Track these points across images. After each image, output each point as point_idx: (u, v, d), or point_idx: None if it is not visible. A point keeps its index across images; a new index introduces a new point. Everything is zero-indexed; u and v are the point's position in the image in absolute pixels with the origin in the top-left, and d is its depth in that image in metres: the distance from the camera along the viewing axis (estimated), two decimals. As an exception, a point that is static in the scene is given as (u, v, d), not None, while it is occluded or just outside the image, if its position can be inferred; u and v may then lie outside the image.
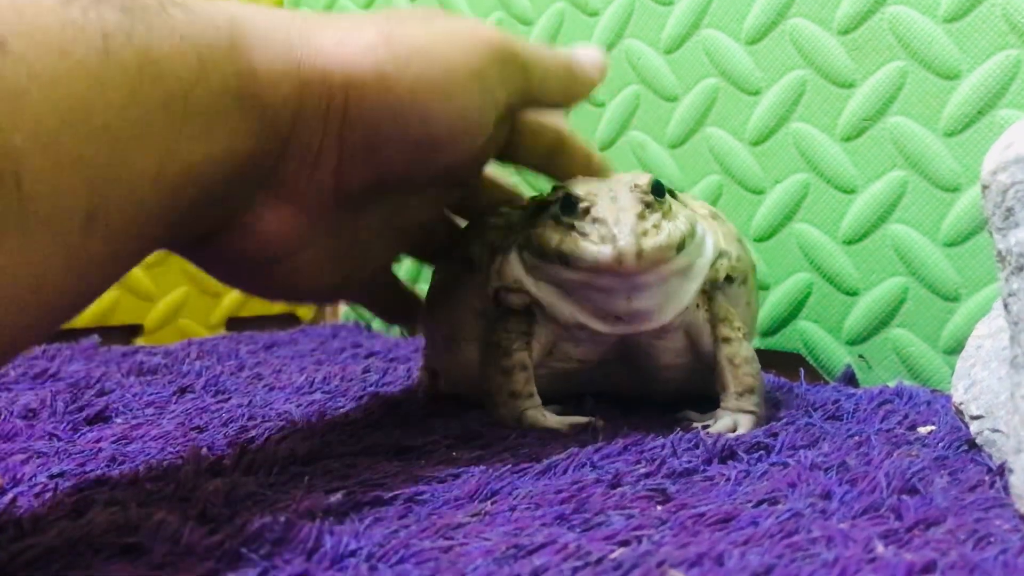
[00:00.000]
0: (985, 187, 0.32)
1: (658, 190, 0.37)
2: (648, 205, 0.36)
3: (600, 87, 0.41)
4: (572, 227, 0.37)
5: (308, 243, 0.34)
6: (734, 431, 0.39)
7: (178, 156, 0.27)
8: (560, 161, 0.41)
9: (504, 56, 0.34)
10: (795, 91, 0.53)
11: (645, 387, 0.43)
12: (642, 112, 0.60)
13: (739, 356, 0.40)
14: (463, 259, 0.42)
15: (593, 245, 0.35)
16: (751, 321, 0.44)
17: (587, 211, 0.36)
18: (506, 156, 0.40)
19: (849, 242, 0.52)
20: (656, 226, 0.36)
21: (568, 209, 0.37)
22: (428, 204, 0.39)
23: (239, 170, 0.30)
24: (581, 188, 0.37)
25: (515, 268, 0.39)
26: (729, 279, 0.40)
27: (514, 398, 0.39)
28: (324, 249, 0.35)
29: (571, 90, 0.39)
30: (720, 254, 0.40)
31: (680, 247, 0.37)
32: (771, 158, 0.55)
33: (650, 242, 0.35)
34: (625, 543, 0.26)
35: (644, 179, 0.37)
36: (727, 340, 0.40)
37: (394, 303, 0.44)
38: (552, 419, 0.39)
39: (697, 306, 0.40)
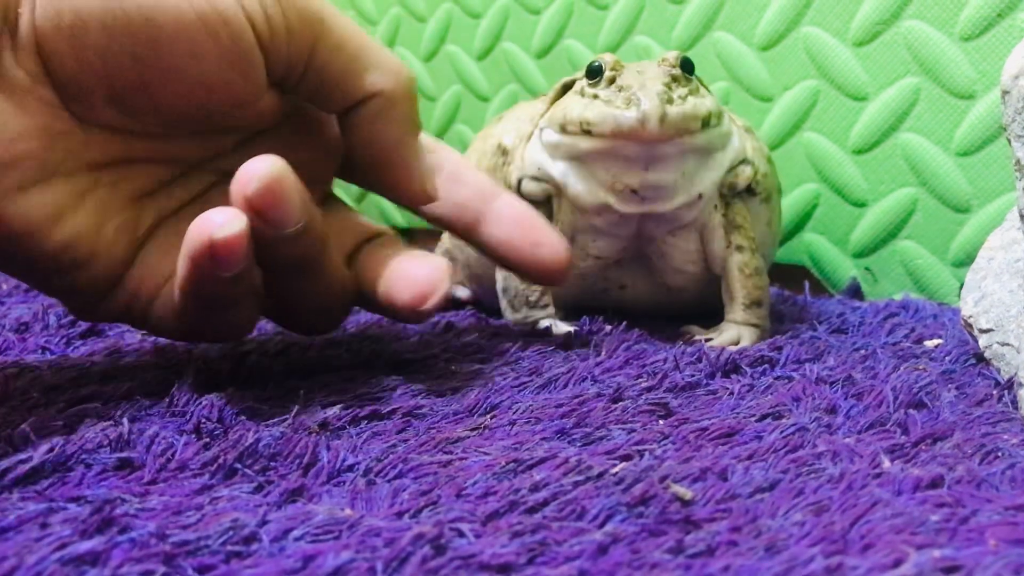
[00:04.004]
0: (1005, 92, 0.31)
1: (687, 66, 0.37)
2: (675, 79, 0.37)
3: None
4: (596, 96, 0.37)
5: (49, 164, 0.27)
6: (737, 344, 0.38)
7: None
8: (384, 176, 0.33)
9: None
10: (807, -7, 0.51)
11: (657, 299, 0.43)
12: (648, 15, 0.58)
13: (749, 266, 0.40)
14: (499, 147, 0.42)
15: (617, 109, 0.35)
16: (771, 244, 0.45)
17: (612, 80, 0.37)
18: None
19: (858, 151, 0.50)
20: (682, 98, 0.36)
21: (593, 78, 0.37)
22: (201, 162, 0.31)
23: None
24: (608, 59, 0.37)
25: (536, 153, 0.40)
26: (752, 191, 0.41)
27: (529, 307, 0.40)
28: (77, 182, 0.28)
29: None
30: (744, 160, 0.40)
31: (705, 123, 0.36)
32: (780, 64, 0.53)
33: (674, 109, 0.35)
34: (627, 458, 0.25)
35: (672, 54, 0.37)
36: (740, 248, 0.40)
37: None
38: (563, 329, 0.40)
39: (715, 207, 0.40)
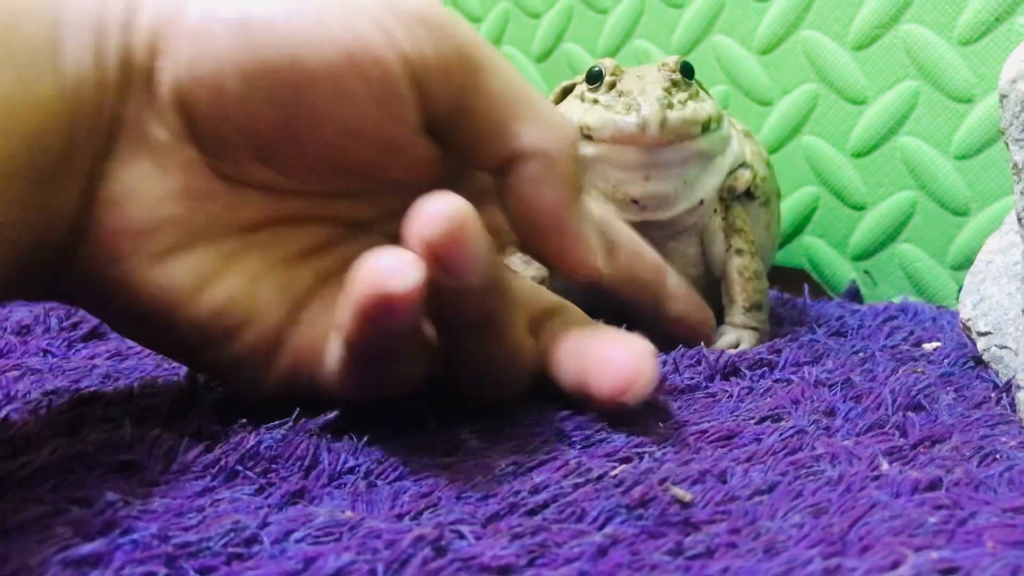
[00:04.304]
0: (1003, 96, 0.31)
1: (687, 71, 0.38)
2: (675, 84, 0.37)
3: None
4: (597, 101, 0.37)
5: (193, 228, 0.25)
6: (736, 347, 0.38)
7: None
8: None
9: (430, 20, 0.25)
10: (806, -3, 0.51)
11: None
12: (647, 19, 0.58)
13: (749, 270, 0.40)
14: None
15: (617, 115, 0.36)
16: (770, 247, 0.45)
17: (613, 85, 0.37)
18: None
19: (858, 155, 0.51)
20: (682, 103, 0.36)
21: (594, 83, 0.37)
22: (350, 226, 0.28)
23: (87, 108, 0.24)
24: (608, 64, 0.38)
25: None
26: (751, 195, 0.41)
27: None
28: (225, 245, 0.26)
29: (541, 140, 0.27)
30: (743, 164, 0.40)
31: (705, 127, 0.37)
32: (779, 67, 0.53)
33: (675, 114, 0.36)
34: (626, 460, 0.25)
35: (672, 59, 0.38)
36: (740, 252, 0.40)
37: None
38: None
39: (715, 211, 0.40)
